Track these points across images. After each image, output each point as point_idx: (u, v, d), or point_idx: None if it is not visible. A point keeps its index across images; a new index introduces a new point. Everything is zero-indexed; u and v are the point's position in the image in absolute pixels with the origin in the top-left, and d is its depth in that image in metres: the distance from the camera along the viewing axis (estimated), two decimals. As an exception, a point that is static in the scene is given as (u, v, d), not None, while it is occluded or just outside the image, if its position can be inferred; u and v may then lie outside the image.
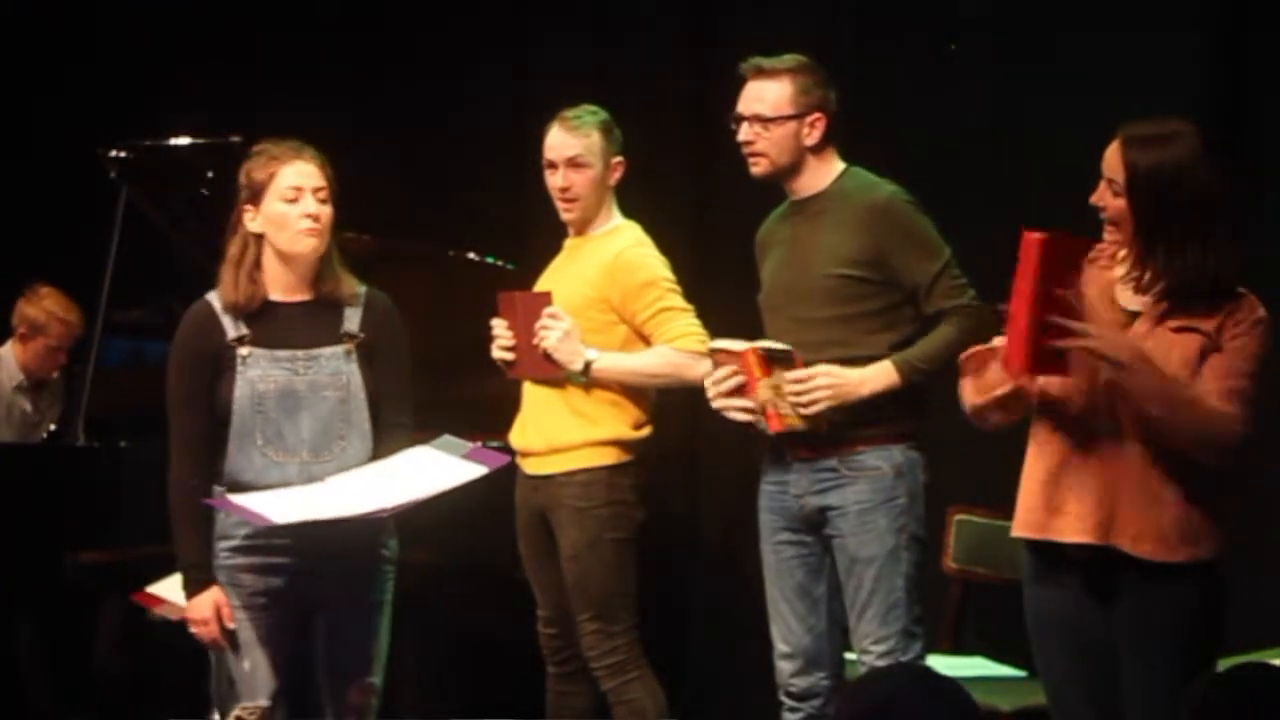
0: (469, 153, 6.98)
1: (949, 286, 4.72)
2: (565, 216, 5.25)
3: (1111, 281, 4.13)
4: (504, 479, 5.39)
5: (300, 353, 4.43)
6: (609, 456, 5.14)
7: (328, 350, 4.45)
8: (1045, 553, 4.13)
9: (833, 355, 4.68)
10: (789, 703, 4.84)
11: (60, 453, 6.35)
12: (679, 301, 5.17)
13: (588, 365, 5.08)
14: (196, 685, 5.84)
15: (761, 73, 4.79)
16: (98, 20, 7.54)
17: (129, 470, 6.04)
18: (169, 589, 5.62)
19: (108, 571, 6.00)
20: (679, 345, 5.11)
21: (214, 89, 7.19)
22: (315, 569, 4.44)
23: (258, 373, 4.41)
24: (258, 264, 4.46)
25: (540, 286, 5.28)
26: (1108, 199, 4.05)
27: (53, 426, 6.76)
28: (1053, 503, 4.09)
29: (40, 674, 6.46)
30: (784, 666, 4.83)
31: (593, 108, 5.26)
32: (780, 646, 4.83)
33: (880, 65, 5.94)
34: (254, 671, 4.42)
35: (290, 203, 4.41)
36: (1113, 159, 4.03)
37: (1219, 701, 2.84)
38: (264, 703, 4.38)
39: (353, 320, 4.49)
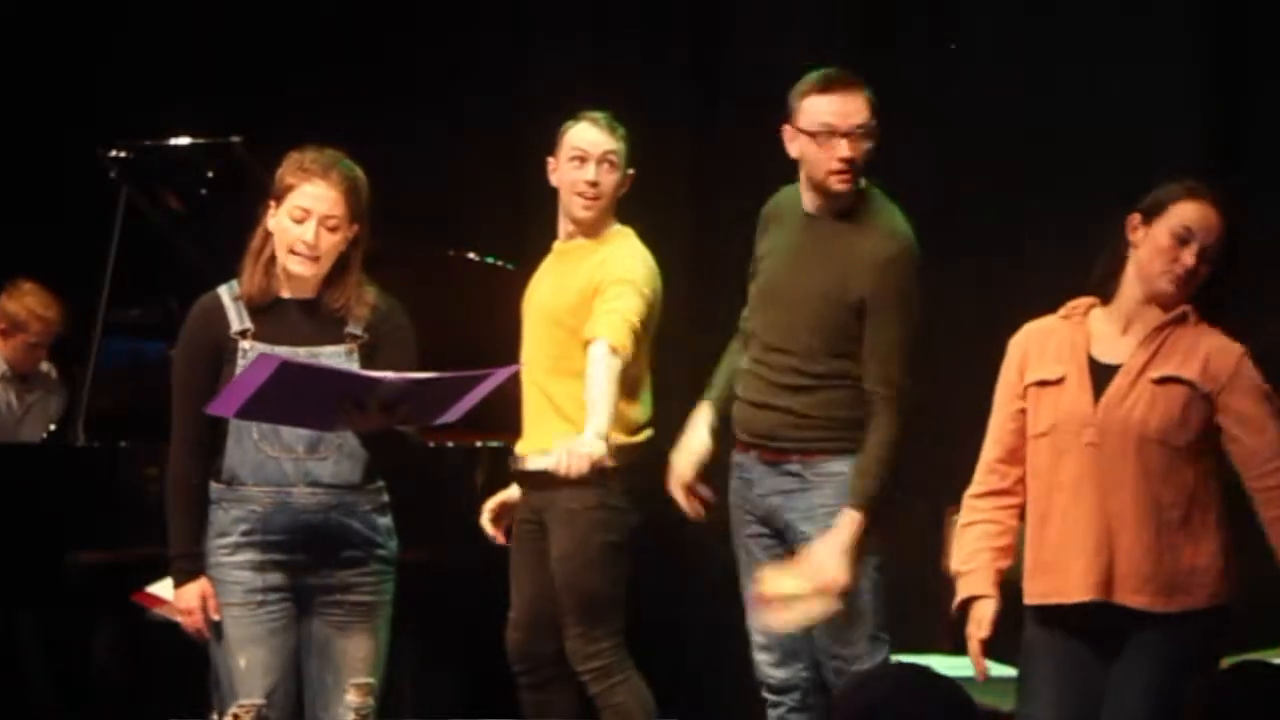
0: (468, 153, 6.98)
1: (893, 364, 4.65)
2: (582, 214, 5.15)
3: (1085, 336, 4.16)
4: (504, 481, 5.38)
5: (301, 350, 4.42)
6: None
7: (328, 349, 4.44)
8: (1043, 610, 4.17)
9: (792, 367, 4.69)
10: (770, 697, 4.84)
11: (60, 453, 6.34)
12: (627, 308, 5.02)
13: (603, 446, 4.89)
14: (197, 685, 5.85)
15: (847, 85, 4.68)
16: (98, 20, 7.54)
17: (129, 470, 6.04)
18: (169, 589, 5.62)
19: (108, 571, 6.00)
20: (594, 349, 4.96)
21: (214, 89, 7.19)
22: (312, 567, 4.45)
23: None
24: (273, 259, 4.47)
25: (532, 289, 5.25)
26: (1199, 265, 4.07)
27: (52, 426, 6.76)
28: (1050, 564, 4.13)
29: (41, 674, 6.46)
30: (762, 659, 4.83)
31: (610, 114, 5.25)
32: (758, 639, 4.83)
33: (880, 70, 5.93)
34: (249, 669, 4.42)
35: (295, 222, 4.41)
36: (1211, 221, 4.06)
37: (1220, 699, 2.84)
38: (259, 701, 4.37)
39: (357, 325, 4.49)
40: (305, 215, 4.41)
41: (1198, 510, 4.07)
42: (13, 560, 6.01)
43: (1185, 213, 4.07)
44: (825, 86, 4.69)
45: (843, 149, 4.64)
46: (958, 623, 4.30)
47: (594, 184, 5.12)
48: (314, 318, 4.47)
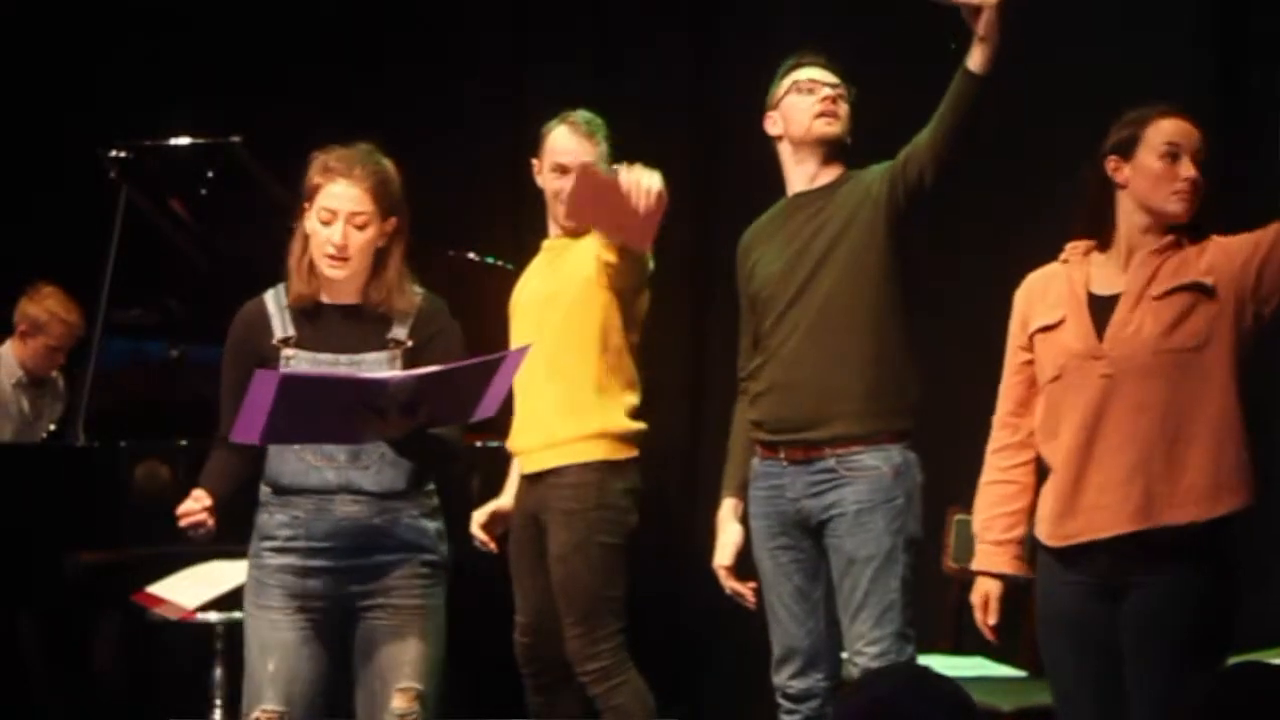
0: (468, 154, 6.99)
1: None
2: (567, 221, 5.22)
3: (1085, 275, 4.16)
4: (499, 483, 5.39)
5: (343, 357, 4.35)
6: (601, 450, 5.11)
7: (371, 356, 4.36)
8: (1065, 551, 4.15)
9: (805, 336, 4.71)
10: (786, 704, 4.83)
11: (60, 453, 6.34)
12: None
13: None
14: (197, 685, 5.85)
15: (820, 55, 4.89)
16: (98, 20, 7.55)
17: (129, 470, 6.04)
18: (169, 589, 5.63)
19: (108, 571, 6.00)
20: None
21: (214, 89, 7.19)
22: (355, 573, 4.37)
23: None
24: (314, 259, 4.40)
25: (521, 287, 5.28)
26: (1198, 175, 4.09)
27: (52, 426, 6.77)
28: (1081, 504, 4.09)
29: (42, 674, 6.46)
30: (782, 669, 4.82)
31: (591, 114, 5.25)
32: (778, 650, 4.82)
33: (881, 70, 5.94)
34: (276, 674, 4.33)
35: (323, 224, 4.36)
36: (1190, 129, 4.10)
37: (1218, 700, 2.84)
38: (281, 708, 4.32)
39: (400, 329, 4.41)
40: (332, 216, 4.35)
41: (1228, 414, 4.04)
42: (13, 560, 6.02)
43: (1164, 131, 4.09)
44: (799, 63, 4.88)
45: (825, 91, 4.82)
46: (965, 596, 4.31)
47: None
48: (357, 323, 4.40)
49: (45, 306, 6.84)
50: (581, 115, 5.22)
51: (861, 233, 4.72)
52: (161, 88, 7.30)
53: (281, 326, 4.40)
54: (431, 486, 4.46)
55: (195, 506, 4.29)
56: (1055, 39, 5.83)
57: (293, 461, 4.37)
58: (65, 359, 6.94)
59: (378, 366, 4.35)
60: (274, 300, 4.44)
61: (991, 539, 4.27)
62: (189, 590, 5.63)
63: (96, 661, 6.50)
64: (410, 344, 4.39)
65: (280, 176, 6.22)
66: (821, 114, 4.82)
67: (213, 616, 5.67)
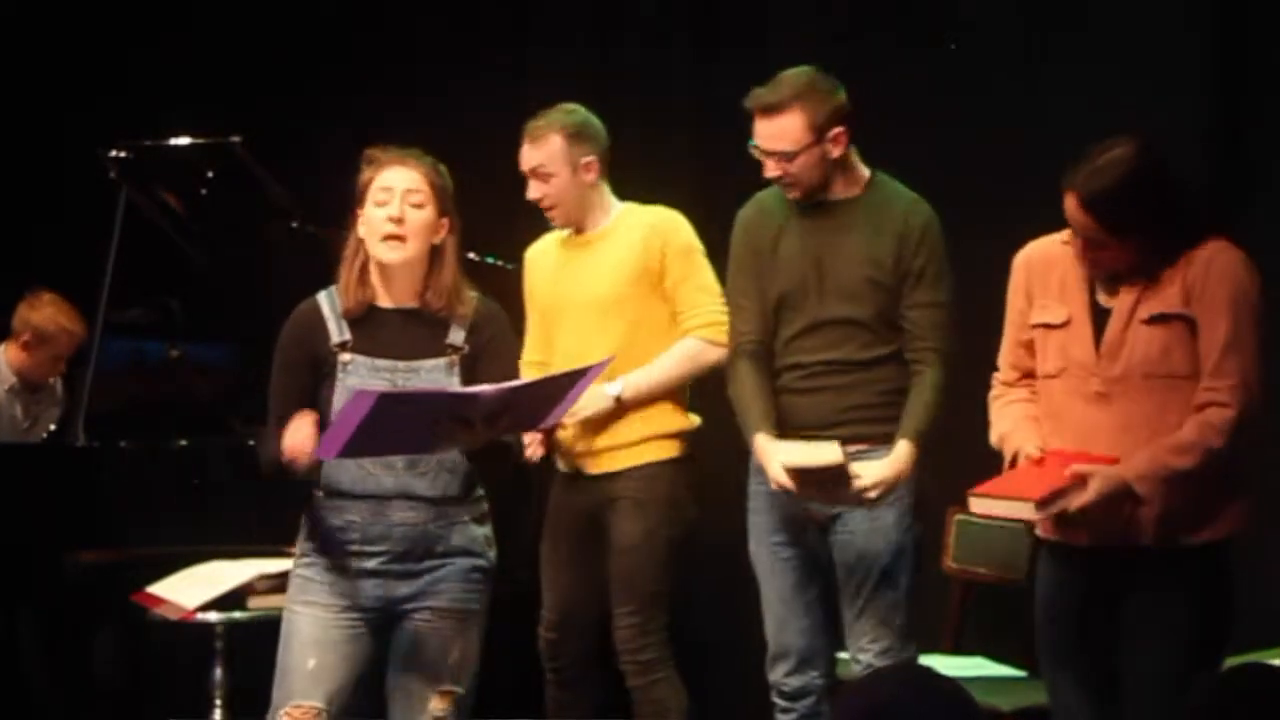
0: (468, 153, 6.98)
1: (942, 324, 4.70)
2: (554, 223, 5.28)
3: (1085, 272, 4.15)
4: (501, 482, 5.38)
5: (401, 363, 4.33)
6: (670, 450, 5.17)
7: (429, 362, 4.34)
8: (1056, 547, 4.16)
9: (832, 356, 4.70)
10: (782, 703, 4.85)
11: (60, 453, 6.34)
12: (710, 280, 5.18)
13: (618, 399, 5.11)
14: (197, 685, 5.85)
15: (771, 110, 4.70)
16: (99, 20, 7.55)
17: (129, 470, 6.04)
18: (169, 589, 5.62)
19: (108, 571, 6.00)
20: (700, 334, 5.14)
21: (215, 90, 7.19)
22: (405, 576, 4.36)
23: (357, 381, 4.29)
24: (365, 266, 4.38)
25: (549, 280, 5.30)
26: (1102, 256, 4.04)
27: (52, 427, 6.76)
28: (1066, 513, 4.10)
29: (41, 674, 6.46)
30: (777, 666, 4.84)
31: (568, 107, 5.26)
32: (773, 647, 4.84)
33: (880, 67, 5.94)
34: (316, 671, 4.32)
35: (379, 205, 4.33)
36: (1076, 217, 4.02)
37: (1218, 702, 2.84)
38: (318, 704, 4.31)
39: (458, 333, 4.38)
40: (388, 196, 4.31)
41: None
42: (13, 560, 6.01)
43: (1066, 205, 4.06)
44: (756, 110, 4.75)
45: (769, 169, 4.74)
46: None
47: (539, 200, 5.25)
48: (413, 327, 4.37)
49: (48, 316, 6.73)
50: (537, 119, 5.26)
51: (884, 276, 4.71)
52: (161, 88, 7.30)
53: (338, 330, 4.37)
54: (481, 492, 4.45)
55: (305, 424, 4.20)
56: (1056, 44, 5.83)
57: (350, 467, 4.33)
58: (66, 366, 6.91)
59: (436, 373, 4.34)
60: (328, 303, 4.41)
61: (1019, 432, 4.19)
62: (189, 590, 5.62)
63: (96, 661, 6.49)
64: (467, 349, 4.37)
65: (280, 176, 6.24)
66: (778, 183, 4.77)
67: (213, 616, 5.66)
